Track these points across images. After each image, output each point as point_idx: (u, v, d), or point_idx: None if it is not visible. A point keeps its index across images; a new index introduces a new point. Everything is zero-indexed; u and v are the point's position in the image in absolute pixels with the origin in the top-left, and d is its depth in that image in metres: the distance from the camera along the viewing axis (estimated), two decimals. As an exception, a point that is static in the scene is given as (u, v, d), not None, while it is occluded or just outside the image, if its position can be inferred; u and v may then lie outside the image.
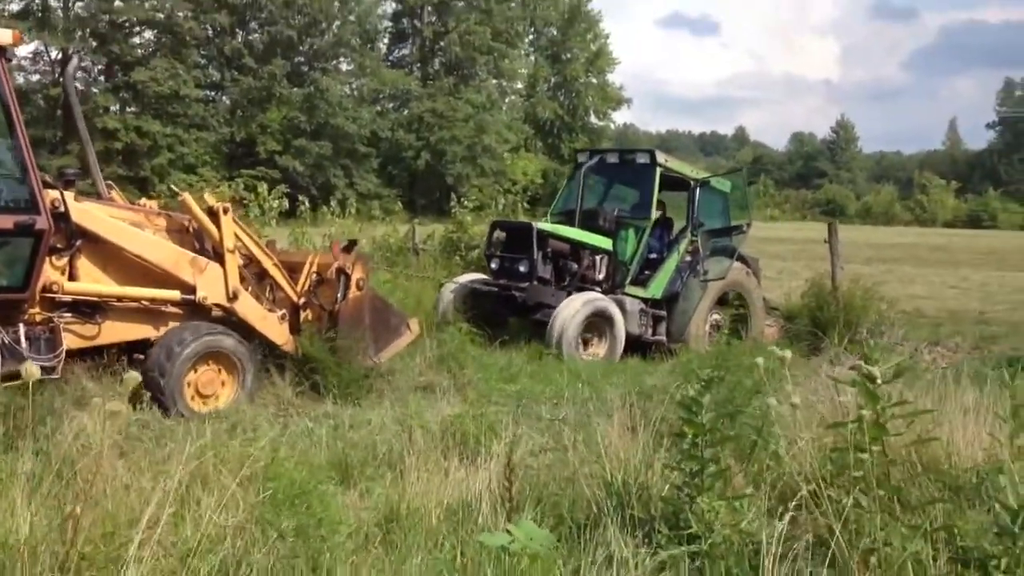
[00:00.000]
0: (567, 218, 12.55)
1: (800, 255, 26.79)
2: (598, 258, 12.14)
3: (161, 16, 47.15)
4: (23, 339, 7.06)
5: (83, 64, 48.13)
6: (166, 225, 8.30)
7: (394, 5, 58.33)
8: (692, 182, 12.53)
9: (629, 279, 12.13)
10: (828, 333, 10.90)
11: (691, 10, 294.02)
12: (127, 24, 47.30)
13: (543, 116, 60.57)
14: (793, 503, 3.92)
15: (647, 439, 5.13)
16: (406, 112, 55.27)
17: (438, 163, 53.34)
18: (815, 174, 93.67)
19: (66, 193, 7.42)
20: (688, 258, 12.42)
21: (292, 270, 8.84)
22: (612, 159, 13.16)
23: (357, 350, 8.49)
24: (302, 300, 8.68)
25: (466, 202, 18.52)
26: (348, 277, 8.73)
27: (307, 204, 19.10)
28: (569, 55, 62.46)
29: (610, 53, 64.69)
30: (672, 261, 12.35)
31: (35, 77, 48.06)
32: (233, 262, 8.24)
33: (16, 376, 6.82)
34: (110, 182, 9.34)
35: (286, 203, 18.74)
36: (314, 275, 8.83)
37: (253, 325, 8.37)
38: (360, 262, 8.95)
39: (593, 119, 64.52)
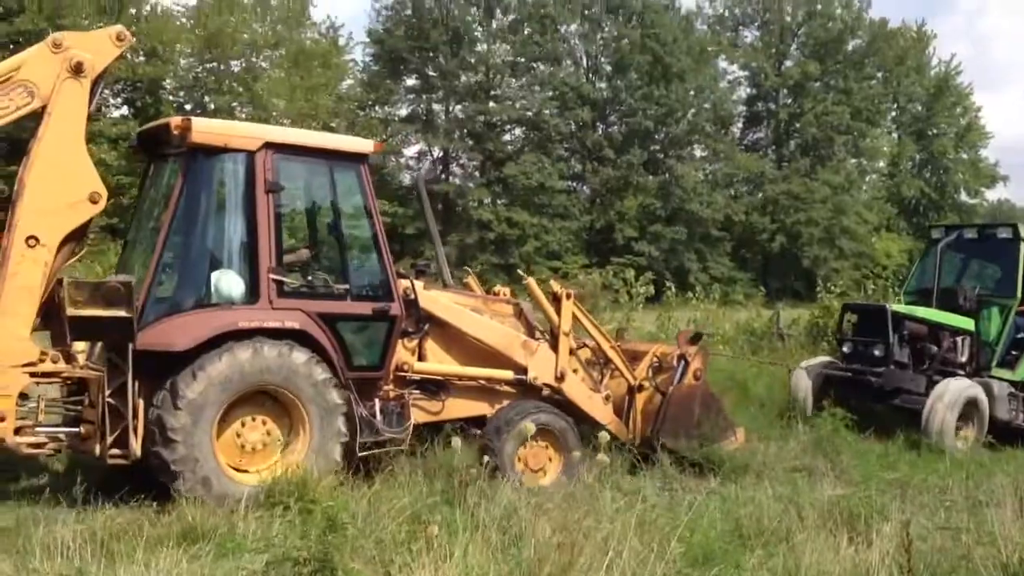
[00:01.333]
0: (922, 297, 12.29)
1: None
2: (959, 339, 11.72)
3: (530, 114, 51.01)
4: (378, 413, 7.99)
5: (460, 161, 53.15)
6: (507, 310, 9.14)
7: (748, 90, 58.91)
8: None
9: (995, 361, 11.63)
10: None
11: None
12: (499, 123, 51.65)
13: (907, 195, 57.92)
14: None
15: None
16: (760, 195, 55.21)
17: (793, 245, 52.61)
18: None
19: (416, 282, 8.43)
20: None
21: (636, 358, 9.46)
22: (970, 234, 12.79)
23: (680, 434, 8.89)
24: (638, 383, 9.25)
25: (832, 287, 18.45)
26: (687, 364, 9.23)
27: (673, 290, 19.95)
28: (935, 130, 59.47)
29: (982, 127, 60.89)
30: None
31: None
32: (565, 344, 8.92)
33: (374, 446, 7.85)
34: (467, 268, 10.53)
35: (652, 289, 19.70)
36: (655, 361, 9.42)
37: (579, 404, 8.95)
38: (701, 354, 9.44)
39: (963, 196, 60.68)
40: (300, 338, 7.50)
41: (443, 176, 51.95)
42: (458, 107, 51.60)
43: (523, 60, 51.72)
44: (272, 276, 7.49)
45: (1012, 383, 11.58)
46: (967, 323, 11.73)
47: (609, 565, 4.90)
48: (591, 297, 17.27)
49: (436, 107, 51.87)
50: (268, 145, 7.64)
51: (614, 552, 5.10)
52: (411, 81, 51.63)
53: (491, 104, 50.74)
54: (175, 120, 7.55)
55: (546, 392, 8.94)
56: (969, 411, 10.95)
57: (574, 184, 52.91)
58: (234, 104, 39.21)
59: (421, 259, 10.54)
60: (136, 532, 6.18)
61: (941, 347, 11.61)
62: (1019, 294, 11.68)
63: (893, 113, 60.84)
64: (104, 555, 5.67)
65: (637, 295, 19.25)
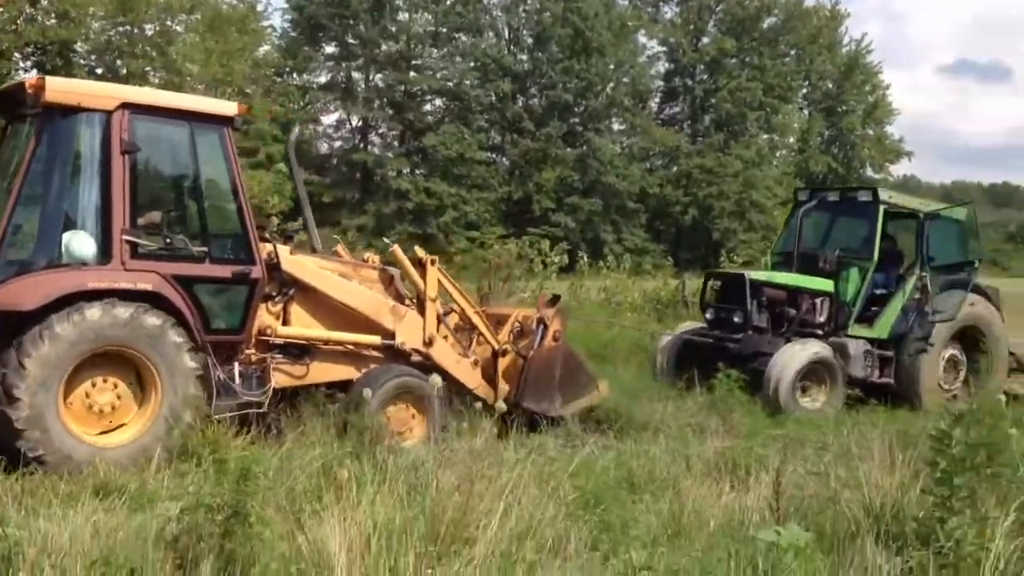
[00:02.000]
0: (786, 259, 12.63)
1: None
2: (818, 301, 11.98)
3: (451, 85, 51.05)
4: (237, 376, 7.97)
5: (379, 131, 52.99)
6: (375, 276, 9.15)
7: (667, 65, 59.73)
8: (921, 215, 12.23)
9: (854, 319, 12.01)
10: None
11: (979, 56, 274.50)
12: (419, 93, 51.54)
13: (815, 170, 59.53)
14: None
15: (905, 472, 5.72)
16: (675, 169, 56.20)
17: (704, 218, 53.81)
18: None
19: (280, 247, 8.36)
20: (917, 296, 12.06)
21: (501, 322, 9.68)
22: (833, 197, 13.19)
23: (543, 397, 9.20)
24: (501, 348, 9.48)
25: (735, 257, 19.13)
26: (546, 328, 9.51)
27: (585, 259, 20.44)
28: (845, 107, 61.13)
29: (889, 104, 62.72)
30: (898, 300, 12.12)
31: (337, 144, 53.29)
32: (432, 310, 9.02)
33: (231, 410, 7.79)
34: (336, 236, 10.42)
35: (566, 259, 20.15)
36: (517, 326, 9.66)
37: (447, 369, 8.99)
38: (559, 315, 9.69)
39: (870, 172, 62.56)
40: (154, 300, 7.44)
41: (362, 145, 51.71)
42: (378, 76, 51.41)
43: (445, 30, 51.69)
44: (125, 237, 7.41)
45: (871, 340, 11.96)
46: (826, 285, 12.00)
47: (506, 510, 5.23)
48: (506, 267, 17.56)
49: (356, 75, 51.60)
50: (125, 105, 7.55)
51: (512, 497, 5.44)
52: (330, 48, 51.33)
53: (411, 74, 50.64)
54: (30, 80, 7.47)
55: (415, 358, 9.00)
56: (819, 371, 11.30)
57: (493, 155, 53.17)
58: (147, 68, 38.30)
59: (292, 224, 10.43)
60: (50, 489, 6.31)
61: (800, 310, 11.89)
62: (876, 255, 11.97)
63: (804, 90, 62.31)
64: (21, 508, 5.80)
65: (551, 264, 19.69)
